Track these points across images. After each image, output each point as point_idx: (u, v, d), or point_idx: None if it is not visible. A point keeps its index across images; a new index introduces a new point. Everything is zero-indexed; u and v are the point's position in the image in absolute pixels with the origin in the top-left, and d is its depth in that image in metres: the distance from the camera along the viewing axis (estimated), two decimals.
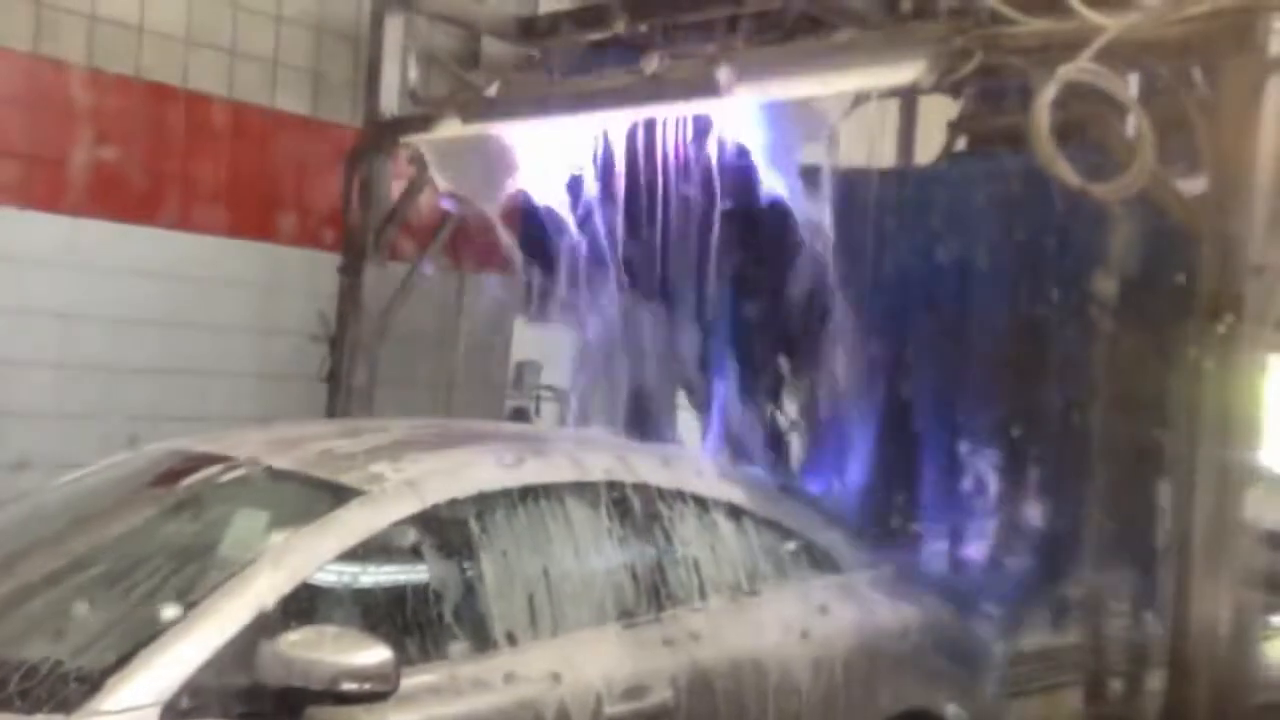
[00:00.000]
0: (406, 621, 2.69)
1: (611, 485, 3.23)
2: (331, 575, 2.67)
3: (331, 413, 5.97)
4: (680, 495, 3.37)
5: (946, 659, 3.82)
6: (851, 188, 4.41)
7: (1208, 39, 3.43)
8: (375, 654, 2.41)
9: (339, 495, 2.81)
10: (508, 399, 7.42)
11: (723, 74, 4.33)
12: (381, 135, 5.99)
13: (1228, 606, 3.41)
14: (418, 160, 5.83)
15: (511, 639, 2.81)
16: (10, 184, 5.48)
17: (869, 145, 4.70)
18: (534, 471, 3.14)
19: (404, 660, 2.54)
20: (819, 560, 3.62)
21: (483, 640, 2.78)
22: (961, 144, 5.78)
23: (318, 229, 6.42)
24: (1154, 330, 4.33)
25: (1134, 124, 3.54)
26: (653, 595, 3.15)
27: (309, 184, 6.46)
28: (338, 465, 2.98)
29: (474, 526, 2.91)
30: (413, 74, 6.12)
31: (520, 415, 7.29)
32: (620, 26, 5.26)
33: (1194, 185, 3.61)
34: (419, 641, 2.68)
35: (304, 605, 2.55)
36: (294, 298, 6.32)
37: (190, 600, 2.50)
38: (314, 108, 6.58)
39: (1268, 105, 3.36)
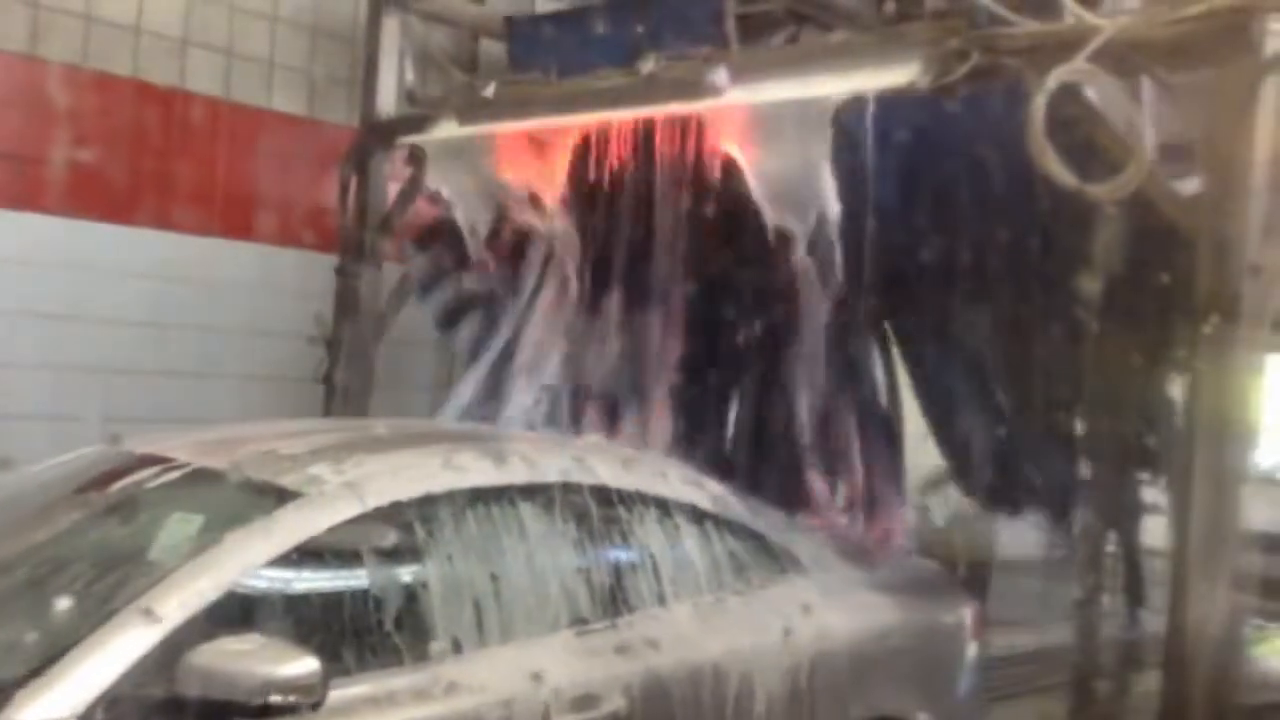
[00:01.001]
0: (345, 629, 2.59)
1: (567, 487, 3.12)
2: (264, 581, 2.56)
3: (328, 414, 5.96)
4: (641, 498, 3.26)
5: (919, 664, 3.71)
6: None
7: (1203, 40, 3.43)
8: (302, 665, 2.31)
9: (276, 498, 2.71)
10: None
11: (718, 75, 4.33)
12: (378, 136, 5.99)
13: (1224, 606, 3.42)
14: (414, 161, 5.84)
15: (456, 647, 2.71)
16: (3, 185, 5.47)
17: None
18: (484, 473, 3.04)
19: (341, 670, 2.46)
20: (786, 564, 3.53)
21: (425, 649, 2.68)
22: None
23: (314, 230, 6.41)
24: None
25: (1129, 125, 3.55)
26: (609, 601, 3.04)
27: (305, 185, 6.46)
28: (277, 467, 2.87)
29: (419, 530, 2.80)
30: (409, 75, 6.12)
31: None
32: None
33: (1189, 185, 3.61)
34: (357, 650, 2.58)
35: (234, 613, 2.45)
36: (290, 299, 6.31)
37: (111, 608, 2.38)
38: (310, 108, 6.57)
39: (1263, 105, 3.36)
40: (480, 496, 2.95)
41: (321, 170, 6.34)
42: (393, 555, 2.77)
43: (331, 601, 2.66)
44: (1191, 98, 3.53)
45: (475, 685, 2.68)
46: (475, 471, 3.02)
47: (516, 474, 3.08)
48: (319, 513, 2.68)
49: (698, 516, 3.37)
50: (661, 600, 3.14)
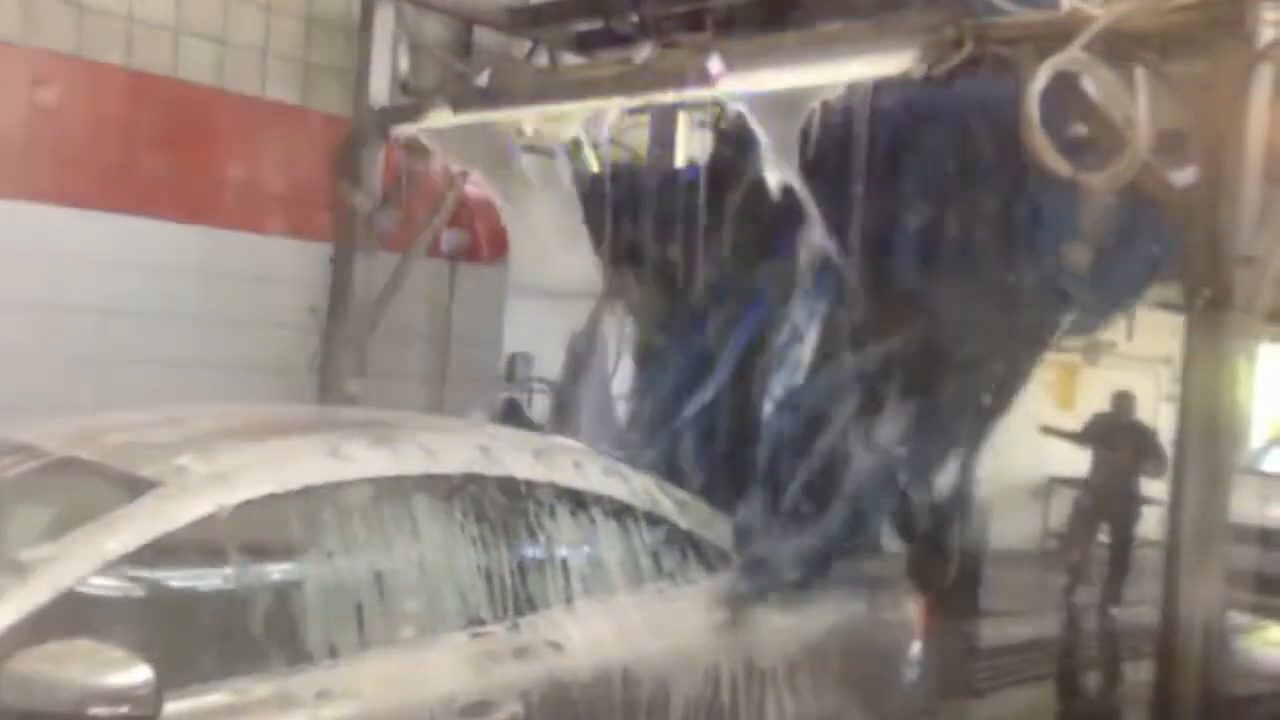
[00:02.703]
0: (204, 633, 2.43)
1: (470, 478, 2.93)
2: (112, 580, 2.36)
3: (322, 404, 5.95)
4: (553, 490, 3.07)
5: (859, 663, 3.54)
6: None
7: (1198, 29, 3.43)
8: (131, 673, 2.13)
9: (134, 489, 2.51)
10: (501, 392, 7.41)
11: (713, 64, 4.32)
12: (372, 125, 5.97)
13: (1216, 596, 3.42)
14: (409, 150, 5.83)
15: (332, 651, 2.52)
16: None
17: None
18: (375, 463, 2.83)
19: (196, 676, 2.32)
20: (715, 560, 3.34)
21: (296, 653, 2.48)
22: None
23: (308, 220, 6.39)
24: None
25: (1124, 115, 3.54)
26: (511, 601, 2.85)
27: (300, 174, 6.43)
28: (142, 456, 2.67)
29: (294, 524, 2.61)
30: (403, 64, 6.11)
31: (513, 408, 7.28)
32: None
33: (1184, 175, 3.60)
34: (218, 655, 2.41)
35: (73, 616, 2.24)
36: (284, 289, 6.30)
37: None
38: (304, 98, 6.55)
39: (1257, 95, 3.35)
40: (369, 488, 2.78)
41: (316, 160, 6.32)
42: (263, 552, 2.60)
43: (189, 602, 2.49)
44: (1186, 87, 3.52)
45: (351, 692, 2.50)
46: (364, 461, 2.82)
47: (412, 464, 2.89)
48: (179, 505, 2.48)
49: (617, 510, 3.19)
50: (570, 599, 2.97)
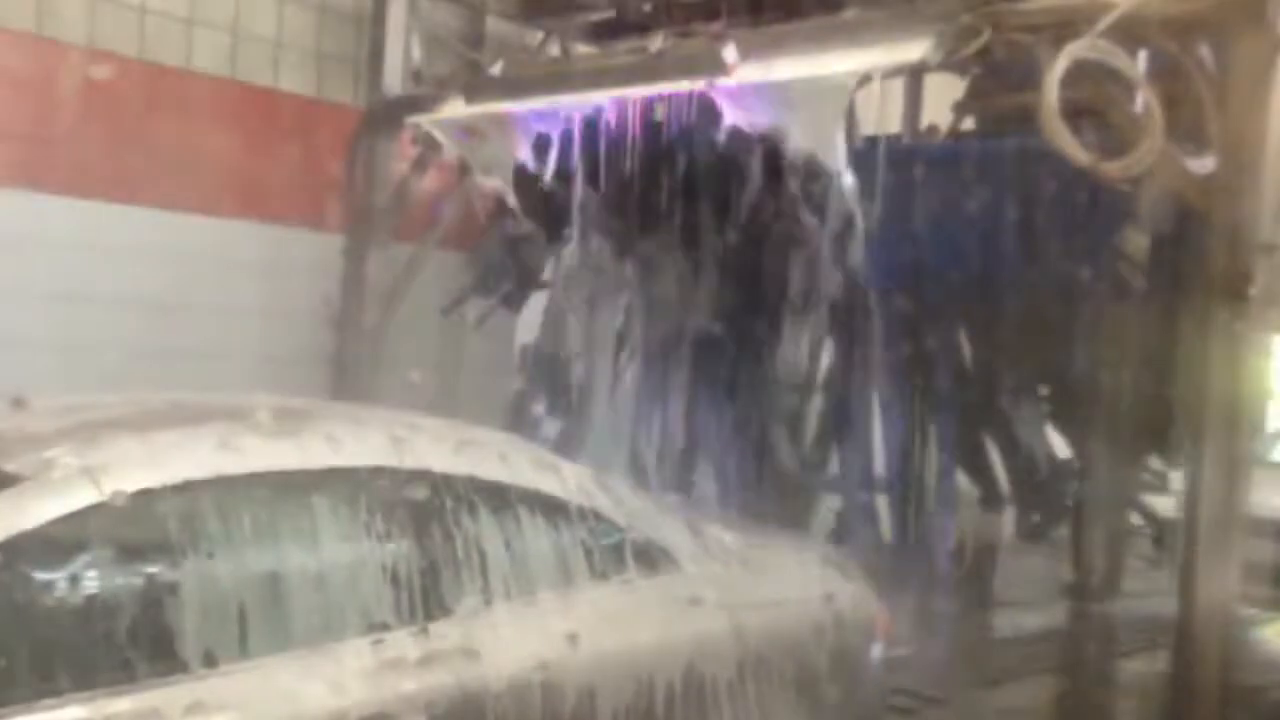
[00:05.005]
0: (57, 642, 2.25)
1: (379, 471, 2.75)
2: None
3: (336, 394, 5.96)
4: (474, 484, 2.87)
5: (814, 669, 3.34)
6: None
7: (1218, 17, 3.41)
8: None
9: None
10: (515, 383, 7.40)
11: (728, 53, 4.31)
12: (385, 116, 5.97)
13: (1233, 586, 3.42)
14: (423, 140, 5.82)
15: (210, 661, 2.35)
16: (14, 166, 5.46)
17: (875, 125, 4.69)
18: (270, 456, 2.64)
19: (44, 691, 2.17)
20: (654, 559, 3.14)
21: (167, 663, 2.31)
22: (968, 124, 5.79)
23: (322, 210, 6.39)
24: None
25: (1143, 102, 3.52)
26: (420, 604, 2.67)
27: (313, 165, 6.43)
28: (11, 448, 2.49)
29: (173, 523, 2.44)
30: (416, 54, 6.10)
31: (523, 399, 7.27)
32: None
33: (1203, 165, 3.59)
34: (75, 665, 2.24)
35: None
36: (299, 280, 6.30)
37: None
38: (318, 88, 6.54)
39: (1277, 82, 3.34)
40: (261, 482, 2.60)
41: (329, 150, 6.32)
42: (134, 552, 2.44)
43: (43, 608, 2.31)
44: (1205, 74, 3.50)
45: (225, 705, 2.34)
46: (257, 454, 2.63)
47: (313, 457, 2.70)
48: (39, 502, 2.31)
49: (546, 506, 3.00)
50: (489, 602, 2.78)
